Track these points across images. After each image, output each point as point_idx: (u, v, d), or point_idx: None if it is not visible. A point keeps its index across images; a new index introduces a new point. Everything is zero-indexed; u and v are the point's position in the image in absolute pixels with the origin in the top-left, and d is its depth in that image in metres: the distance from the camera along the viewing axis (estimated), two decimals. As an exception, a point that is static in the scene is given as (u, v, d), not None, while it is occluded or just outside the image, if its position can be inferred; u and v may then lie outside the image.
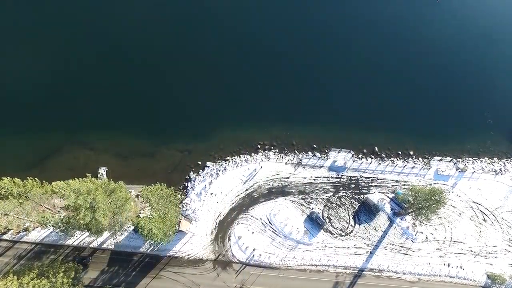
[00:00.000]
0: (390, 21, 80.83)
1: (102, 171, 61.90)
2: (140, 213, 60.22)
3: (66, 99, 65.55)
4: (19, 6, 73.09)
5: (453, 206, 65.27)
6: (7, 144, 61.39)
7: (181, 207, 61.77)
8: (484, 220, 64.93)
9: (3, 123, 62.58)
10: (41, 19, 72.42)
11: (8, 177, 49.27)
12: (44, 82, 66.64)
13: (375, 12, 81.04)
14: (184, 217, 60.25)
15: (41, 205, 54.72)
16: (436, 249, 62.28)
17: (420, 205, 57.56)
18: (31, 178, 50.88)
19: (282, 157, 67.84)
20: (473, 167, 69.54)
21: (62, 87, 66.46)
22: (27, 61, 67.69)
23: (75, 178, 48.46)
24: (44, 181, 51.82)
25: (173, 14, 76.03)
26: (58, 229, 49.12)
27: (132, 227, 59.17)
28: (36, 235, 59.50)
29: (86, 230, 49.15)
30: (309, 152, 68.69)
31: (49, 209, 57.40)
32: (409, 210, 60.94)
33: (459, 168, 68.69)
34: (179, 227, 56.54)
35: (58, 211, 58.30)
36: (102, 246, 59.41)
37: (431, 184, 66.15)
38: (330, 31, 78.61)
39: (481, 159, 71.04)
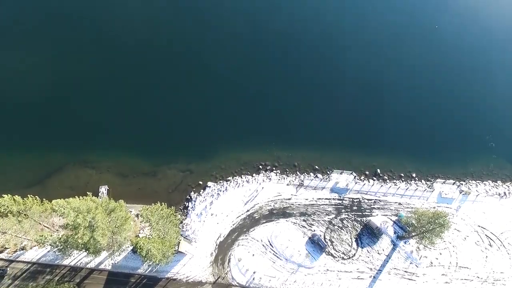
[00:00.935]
0: (390, 44, 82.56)
1: (103, 189, 61.68)
2: (139, 233, 59.47)
3: (70, 118, 66.31)
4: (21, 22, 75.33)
5: (458, 230, 64.06)
6: (9, 162, 61.61)
7: (181, 227, 60.98)
8: (490, 245, 63.50)
9: (7, 140, 63.02)
10: (43, 36, 74.24)
11: (8, 195, 49.16)
12: (47, 101, 67.67)
13: (375, 34, 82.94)
14: (184, 238, 59.35)
15: (40, 224, 54.23)
16: (442, 275, 60.59)
17: (424, 229, 56.57)
18: (31, 195, 50.72)
19: (284, 178, 67.53)
20: (476, 190, 68.78)
21: (65, 106, 67.42)
22: (30, 80, 68.96)
23: (76, 196, 48.26)
24: (44, 199, 51.59)
25: (176, 38, 78.05)
26: (56, 249, 48.41)
27: (131, 247, 58.23)
28: (33, 254, 58.57)
29: (84, 250, 48.39)
30: (311, 174, 68.41)
31: (47, 227, 56.82)
32: (413, 234, 59.80)
33: (463, 191, 67.97)
34: (178, 248, 55.57)
35: (57, 230, 57.68)
36: (99, 267, 58.25)
37: (434, 207, 65.26)
38: (331, 52, 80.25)
39: (484, 182, 70.38)
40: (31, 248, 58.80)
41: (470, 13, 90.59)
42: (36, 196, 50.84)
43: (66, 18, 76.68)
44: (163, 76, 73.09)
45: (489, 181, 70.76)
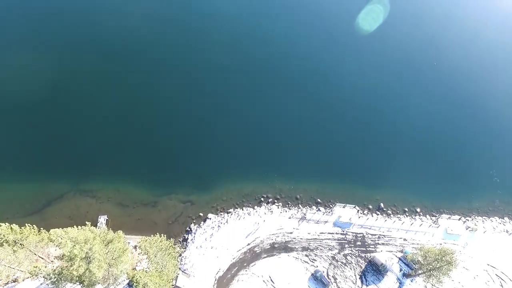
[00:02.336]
0: (392, 79, 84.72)
1: (102, 219, 60.70)
2: (136, 265, 57.66)
3: (72, 146, 66.63)
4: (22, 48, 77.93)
5: (466, 269, 61.77)
6: (8, 190, 61.17)
7: (179, 260, 59.18)
8: (502, 286, 60.92)
9: (6, 168, 63.02)
10: (40, 59, 76.47)
11: (6, 223, 48.35)
12: (49, 129, 68.23)
13: (377, 70, 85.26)
14: (182, 271, 57.42)
15: (35, 254, 52.77)
16: (451, 317, 57.72)
17: (431, 266, 54.64)
18: (29, 224, 49.88)
19: (286, 211, 66.44)
20: (483, 227, 67.13)
21: (67, 134, 67.95)
22: (32, 110, 70.08)
23: (74, 226, 47.42)
24: (42, 228, 50.66)
25: (178, 67, 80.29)
26: (49, 281, 46.73)
27: (127, 281, 56.16)
28: (25, 287, 56.46)
29: (78, 283, 46.69)
30: (313, 207, 67.39)
31: (42, 258, 55.24)
32: (419, 271, 57.65)
33: (469, 227, 66.35)
34: (176, 282, 53.60)
35: (52, 261, 56.03)
36: (93, 302, 55.85)
37: (440, 244, 63.44)
38: (334, 87, 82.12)
39: (491, 218, 68.92)
40: (23, 280, 56.75)
41: (469, 47, 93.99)
42: (34, 225, 49.95)
43: (64, 52, 79.33)
44: (166, 106, 74.34)
45: (495, 217, 69.34)
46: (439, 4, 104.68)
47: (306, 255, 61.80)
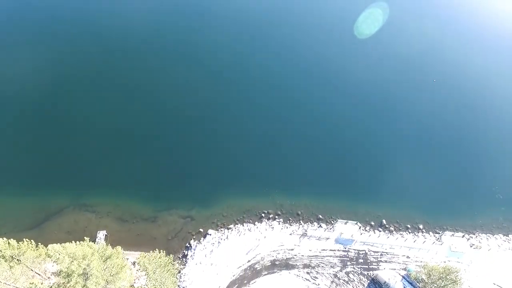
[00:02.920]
0: (391, 99, 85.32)
1: (101, 235, 60.00)
2: (134, 282, 56.59)
3: (72, 160, 66.65)
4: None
5: (471, 287, 60.43)
6: (8, 204, 60.81)
7: (178, 277, 58.12)
8: (507, 305, 59.42)
9: (6, 182, 62.84)
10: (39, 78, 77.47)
11: (4, 238, 47.83)
12: (49, 143, 68.50)
13: (376, 86, 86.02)
14: (181, 289, 56.30)
15: (32, 270, 51.95)
16: (458, 338, 55.94)
17: (435, 285, 53.47)
18: (27, 239, 49.31)
19: (287, 227, 65.63)
20: (488, 245, 66.04)
21: (68, 148, 68.09)
22: (30, 122, 70.63)
23: (73, 241, 46.88)
24: (40, 243, 50.07)
25: (178, 83, 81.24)
26: (46, 298, 45.83)
27: (125, 299, 54.99)
28: (21, 304, 55.33)
29: (75, 300, 45.71)
30: (315, 223, 66.59)
31: (39, 274, 54.32)
32: (424, 290, 56.37)
33: (473, 245, 65.26)
34: (174, 300, 52.45)
35: (49, 277, 55.08)
36: (90, 320, 54.50)
37: (444, 262, 62.26)
38: (335, 104, 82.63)
39: (495, 236, 67.87)
40: (19, 297, 55.74)
41: (470, 63, 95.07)
42: (32, 240, 49.38)
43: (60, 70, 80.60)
44: (167, 121, 74.73)
45: (500, 234, 68.31)
46: (438, 20, 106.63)
47: (308, 273, 60.65)
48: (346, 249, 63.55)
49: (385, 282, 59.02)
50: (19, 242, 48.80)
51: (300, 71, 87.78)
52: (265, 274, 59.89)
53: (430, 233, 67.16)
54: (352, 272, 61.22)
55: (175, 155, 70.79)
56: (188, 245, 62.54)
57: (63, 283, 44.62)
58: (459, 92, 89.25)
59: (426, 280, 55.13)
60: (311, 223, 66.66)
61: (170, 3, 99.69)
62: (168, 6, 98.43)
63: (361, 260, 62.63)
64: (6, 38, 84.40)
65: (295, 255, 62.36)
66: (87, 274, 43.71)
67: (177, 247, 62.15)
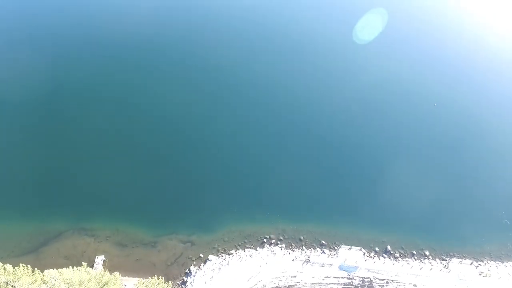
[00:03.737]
0: (394, 122, 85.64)
1: (99, 260, 58.77)
2: (131, 310, 54.83)
3: (71, 184, 66.49)
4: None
5: (482, 319, 57.89)
6: (5, 228, 60.14)
7: (177, 305, 56.31)
8: (521, 337, 56.60)
9: (3, 205, 62.48)
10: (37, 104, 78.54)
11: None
12: (48, 167, 68.62)
13: (377, 109, 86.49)
14: (180, 318, 54.35)
15: (27, 297, 50.55)
16: None
17: (444, 315, 51.27)
18: (23, 264, 48.34)
19: (289, 253, 64.06)
20: (497, 273, 63.82)
21: (66, 172, 68.13)
22: (28, 144, 71.12)
23: (70, 266, 45.97)
24: (36, 268, 48.98)
25: (177, 105, 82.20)
26: (39, 326, 44.32)
27: (121, 328, 53.06)
28: (14, 333, 53.43)
29: (69, 329, 44.17)
30: (318, 249, 65.03)
31: (34, 301, 52.83)
32: (432, 321, 54.01)
33: (482, 272, 63.12)
34: (172, 330, 50.54)
35: (44, 305, 53.50)
36: None
37: (453, 290, 60.08)
38: (337, 126, 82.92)
39: (505, 263, 65.70)
40: (13, 325, 53.92)
41: (473, 86, 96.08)
42: (28, 265, 48.38)
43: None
44: (167, 145, 75.02)
45: (510, 262, 66.12)
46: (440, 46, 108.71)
47: (311, 301, 58.58)
48: (350, 276, 61.61)
49: (391, 312, 56.79)
50: (15, 267, 47.80)
51: (305, 96, 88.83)
52: (267, 303, 57.90)
53: (437, 259, 65.20)
54: (357, 301, 59.08)
55: (175, 178, 70.48)
56: (188, 271, 60.96)
57: (58, 310, 43.28)
58: (465, 113, 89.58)
59: (435, 310, 52.99)
60: (314, 249, 65.11)
61: (172, 13, 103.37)
62: (169, 16, 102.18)
63: (366, 288, 60.63)
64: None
65: (297, 282, 60.45)
66: (82, 301, 42.53)
67: (176, 273, 60.58)
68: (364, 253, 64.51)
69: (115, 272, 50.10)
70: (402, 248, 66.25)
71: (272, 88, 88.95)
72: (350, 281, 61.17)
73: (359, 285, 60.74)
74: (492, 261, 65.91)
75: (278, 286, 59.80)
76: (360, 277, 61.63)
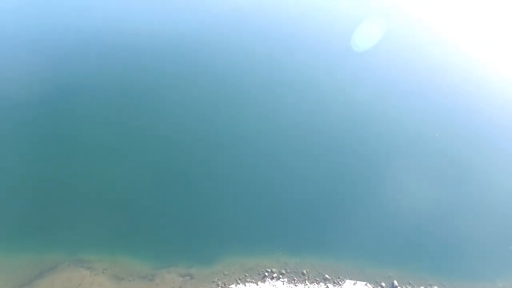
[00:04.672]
0: (399, 153, 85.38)
1: (94, 294, 56.76)
2: None
3: (67, 214, 65.71)
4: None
5: None
6: (2, 259, 58.87)
7: None
8: None
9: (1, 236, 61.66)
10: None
11: (-8, 296, 45.52)
12: (46, 197, 68.18)
13: (379, 141, 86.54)
14: None
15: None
16: None
17: None
18: (16, 298, 46.89)
19: (292, 288, 61.62)
20: (512, 311, 60.52)
21: (65, 202, 67.56)
22: (26, 172, 71.00)
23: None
24: (29, 302, 47.42)
25: (177, 133, 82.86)
26: None
27: None
28: None
29: None
30: (321, 283, 62.48)
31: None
32: None
33: (496, 311, 59.90)
34: None
35: None
36: None
37: (466, 330, 56.63)
38: (340, 157, 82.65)
39: (519, 301, 62.48)
40: None
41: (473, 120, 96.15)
42: (21, 299, 46.90)
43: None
44: (164, 176, 74.76)
45: (524, 299, 62.94)
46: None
47: None
48: (356, 314, 58.63)
49: None
50: (8, 300, 46.32)
51: (299, 119, 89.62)
52: None
53: (447, 297, 62.25)
54: None
55: (175, 209, 69.56)
56: (186, 307, 58.45)
57: None
58: (470, 146, 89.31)
59: None
60: (318, 283, 62.55)
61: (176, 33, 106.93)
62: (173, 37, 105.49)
63: (373, 327, 57.39)
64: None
65: (300, 320, 57.53)
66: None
67: (174, 309, 58.05)
68: (370, 288, 61.89)
69: (110, 307, 48.06)
70: (410, 284, 63.55)
71: (273, 117, 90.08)
72: (356, 318, 58.12)
73: (365, 324, 57.62)
74: (505, 299, 62.83)
75: (280, 323, 56.90)
76: (366, 314, 58.61)
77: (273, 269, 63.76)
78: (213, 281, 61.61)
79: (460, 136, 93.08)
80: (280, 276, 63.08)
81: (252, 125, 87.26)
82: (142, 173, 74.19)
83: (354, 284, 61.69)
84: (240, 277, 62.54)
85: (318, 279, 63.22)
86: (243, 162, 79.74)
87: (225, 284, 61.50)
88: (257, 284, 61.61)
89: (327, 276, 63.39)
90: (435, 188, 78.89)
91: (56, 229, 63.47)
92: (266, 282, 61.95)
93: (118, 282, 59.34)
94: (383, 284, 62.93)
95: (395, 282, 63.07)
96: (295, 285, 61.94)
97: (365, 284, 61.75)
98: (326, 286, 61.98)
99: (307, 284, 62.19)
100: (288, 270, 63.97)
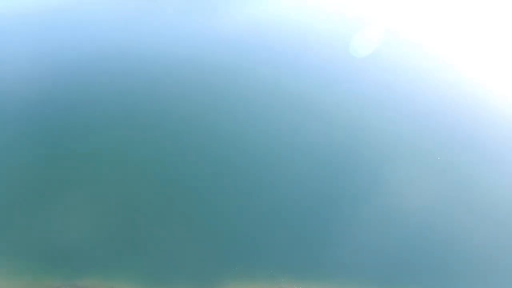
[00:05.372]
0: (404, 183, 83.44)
1: (89, 322, 55.32)
2: None
3: (63, 237, 64.64)
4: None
5: None
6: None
7: None
8: None
9: None
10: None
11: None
12: (40, 217, 67.06)
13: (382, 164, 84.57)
14: None
15: None
16: None
17: None
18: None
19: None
20: None
21: (60, 225, 66.57)
22: (24, 193, 69.90)
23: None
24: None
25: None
26: None
27: None
28: None
29: None
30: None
31: None
32: None
33: None
34: None
35: None
36: None
37: None
38: (342, 184, 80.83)
39: None
40: None
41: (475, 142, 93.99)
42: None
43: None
44: (163, 198, 72.93)
45: None
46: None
47: None
48: None
49: None
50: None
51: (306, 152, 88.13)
52: None
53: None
54: None
55: (174, 236, 67.89)
56: None
57: None
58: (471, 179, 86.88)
59: None
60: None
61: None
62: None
63: None
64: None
65: None
66: None
67: None
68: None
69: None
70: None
71: (272, 157, 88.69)
72: None
73: None
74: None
75: None
76: None
77: (276, 297, 61.88)
78: (212, 309, 59.92)
79: (462, 153, 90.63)
80: (282, 304, 61.11)
81: (255, 158, 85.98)
82: (138, 200, 72.76)
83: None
84: (241, 304, 60.82)
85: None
86: (244, 184, 77.79)
87: (224, 312, 59.73)
88: (257, 313, 59.69)
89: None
90: (447, 208, 76.59)
91: (52, 251, 62.41)
92: (267, 311, 60.00)
93: (114, 308, 58.00)
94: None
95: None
96: (297, 315, 59.83)
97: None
98: (329, 316, 59.78)
99: (309, 314, 60.05)
100: (291, 298, 62.02)
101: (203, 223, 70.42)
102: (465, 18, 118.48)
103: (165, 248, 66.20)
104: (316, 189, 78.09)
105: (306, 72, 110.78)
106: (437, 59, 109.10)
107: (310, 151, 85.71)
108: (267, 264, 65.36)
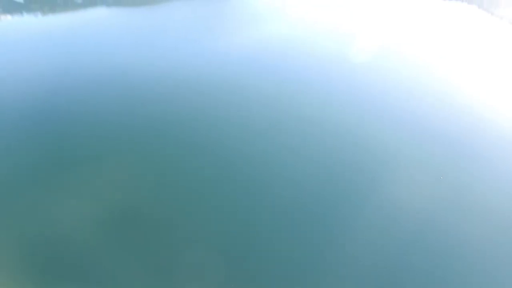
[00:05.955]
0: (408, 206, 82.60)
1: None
2: None
3: (63, 252, 63.19)
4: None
5: None
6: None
7: None
8: None
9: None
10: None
11: None
12: (37, 232, 65.90)
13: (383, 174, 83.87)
14: None
15: None
16: None
17: None
18: None
19: None
20: None
21: (62, 255, 65.19)
22: (21, 207, 68.77)
23: None
24: None
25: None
26: None
27: None
28: None
29: None
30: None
31: None
32: None
33: None
34: None
35: None
36: None
37: None
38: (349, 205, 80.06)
39: None
40: None
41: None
42: None
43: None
44: (160, 217, 71.23)
45: None
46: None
47: None
48: None
49: None
50: None
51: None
52: None
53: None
54: None
55: (173, 236, 67.10)
56: None
57: None
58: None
59: None
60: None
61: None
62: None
63: None
64: None
65: None
66: None
67: None
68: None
69: None
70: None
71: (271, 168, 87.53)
72: None
73: None
74: None
75: None
76: None
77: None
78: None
79: (460, 158, 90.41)
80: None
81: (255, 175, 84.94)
82: (135, 223, 71.59)
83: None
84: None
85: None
86: (244, 203, 76.74)
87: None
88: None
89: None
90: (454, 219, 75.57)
91: (47, 273, 60.99)
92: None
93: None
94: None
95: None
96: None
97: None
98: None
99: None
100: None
101: (203, 223, 69.26)
102: (462, 28, 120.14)
103: (165, 248, 65.05)
104: (318, 194, 77.13)
105: (308, 84, 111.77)
106: (437, 69, 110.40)
107: (312, 158, 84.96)
108: (267, 267, 64.29)
